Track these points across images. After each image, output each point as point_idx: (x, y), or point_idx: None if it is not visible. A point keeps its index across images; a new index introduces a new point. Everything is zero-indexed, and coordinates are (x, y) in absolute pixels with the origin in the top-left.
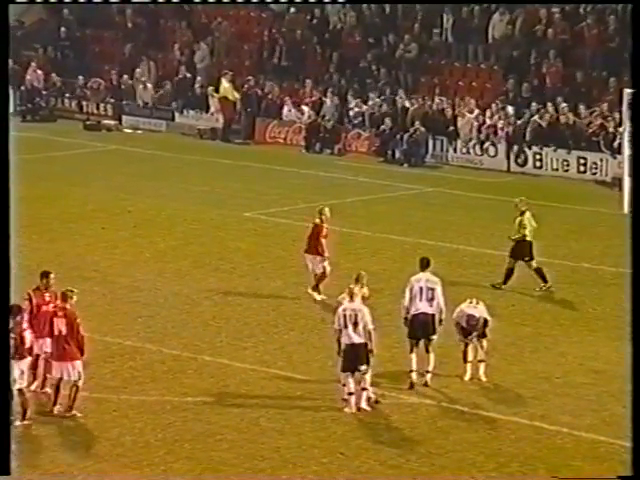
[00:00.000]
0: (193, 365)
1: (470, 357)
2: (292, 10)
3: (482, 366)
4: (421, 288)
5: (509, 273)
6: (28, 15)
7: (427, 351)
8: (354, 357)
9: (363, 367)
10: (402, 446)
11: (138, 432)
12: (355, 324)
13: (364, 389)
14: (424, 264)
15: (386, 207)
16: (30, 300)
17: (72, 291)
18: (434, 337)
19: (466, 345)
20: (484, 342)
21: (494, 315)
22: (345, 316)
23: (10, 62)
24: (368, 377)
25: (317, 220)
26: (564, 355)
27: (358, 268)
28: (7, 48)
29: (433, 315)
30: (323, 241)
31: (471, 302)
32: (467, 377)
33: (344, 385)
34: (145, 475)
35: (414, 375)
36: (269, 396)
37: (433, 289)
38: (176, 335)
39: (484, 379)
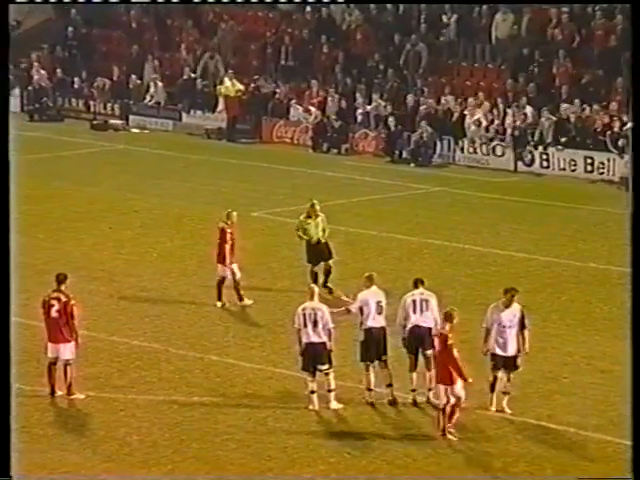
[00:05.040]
0: (200, 365)
1: (498, 387)
2: (299, 9)
3: (506, 398)
4: (414, 301)
5: (327, 273)
6: (35, 15)
7: (427, 368)
8: (313, 356)
9: (324, 367)
10: (409, 445)
11: (145, 431)
12: (315, 323)
13: (330, 390)
14: (418, 283)
15: (393, 207)
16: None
17: (65, 275)
18: (430, 352)
19: (495, 377)
20: (512, 375)
21: None
22: (305, 315)
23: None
24: (332, 377)
25: (222, 224)
26: (571, 355)
27: (364, 268)
28: (7, 48)
29: (429, 328)
30: (227, 247)
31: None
32: (493, 408)
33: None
34: (152, 474)
35: (414, 394)
36: (276, 396)
37: (427, 300)
38: (183, 335)
39: (508, 411)
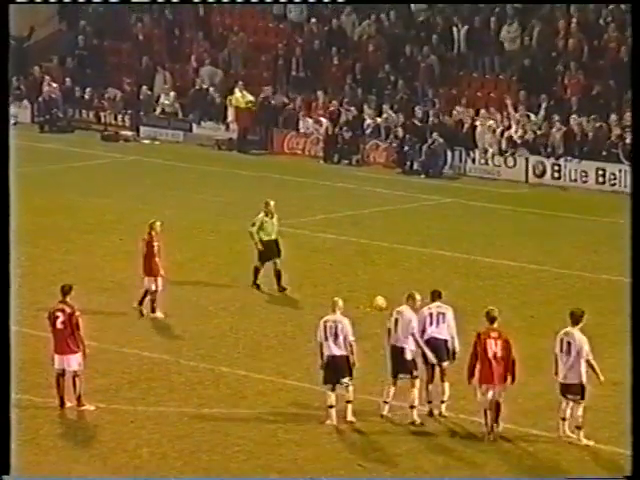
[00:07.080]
0: (210, 376)
1: (567, 414)
2: (312, 21)
3: (581, 432)
4: (430, 314)
5: (255, 272)
6: (45, 27)
7: (442, 380)
8: (335, 369)
9: (345, 380)
10: (420, 458)
11: (155, 443)
12: (335, 336)
13: (348, 402)
14: (435, 295)
15: (404, 218)
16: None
17: (70, 287)
18: (445, 364)
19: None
20: (582, 405)
21: (512, 327)
22: (326, 328)
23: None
24: (351, 389)
25: (146, 236)
26: None
27: (375, 279)
28: (7, 48)
29: (445, 341)
30: (153, 259)
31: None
32: (560, 433)
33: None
34: None
35: (428, 406)
36: (286, 407)
37: (444, 314)
38: (193, 346)
39: (591, 443)
